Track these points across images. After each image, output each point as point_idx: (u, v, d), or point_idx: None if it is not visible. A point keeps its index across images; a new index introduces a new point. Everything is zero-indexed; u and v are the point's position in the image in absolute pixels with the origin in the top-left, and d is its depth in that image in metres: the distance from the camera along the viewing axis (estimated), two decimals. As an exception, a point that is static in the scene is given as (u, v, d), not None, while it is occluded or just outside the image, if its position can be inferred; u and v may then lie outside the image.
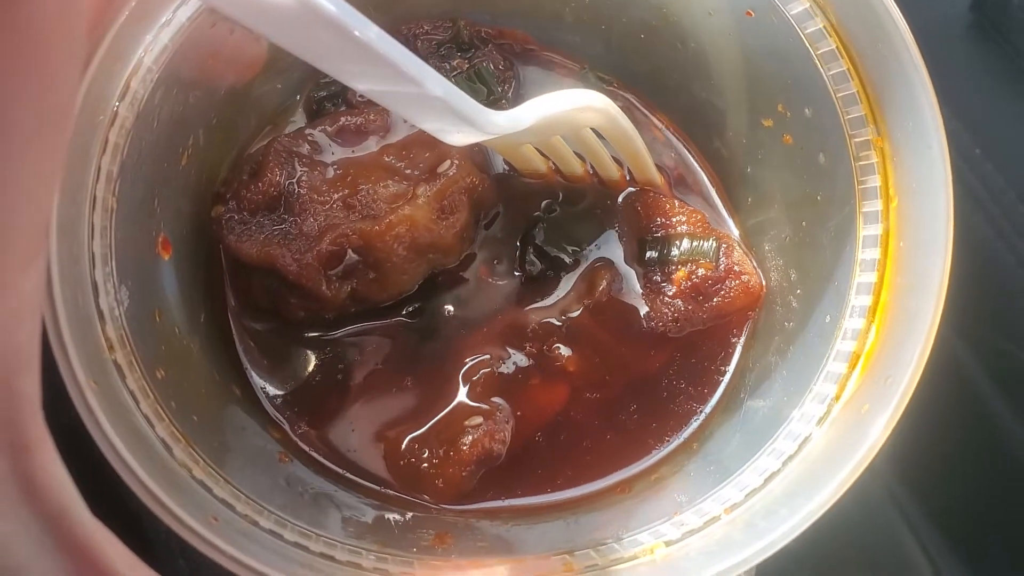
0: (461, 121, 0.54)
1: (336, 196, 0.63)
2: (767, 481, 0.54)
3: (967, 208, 0.80)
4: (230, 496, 0.51)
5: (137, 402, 0.50)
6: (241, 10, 0.45)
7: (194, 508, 0.47)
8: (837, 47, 0.57)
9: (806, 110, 0.60)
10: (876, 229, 0.56)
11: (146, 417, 0.50)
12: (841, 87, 0.57)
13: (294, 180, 0.63)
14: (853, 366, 0.55)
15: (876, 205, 0.56)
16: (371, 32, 0.47)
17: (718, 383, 0.66)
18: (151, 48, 0.53)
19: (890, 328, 0.54)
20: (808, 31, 0.57)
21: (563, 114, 0.60)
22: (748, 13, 0.60)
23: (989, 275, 0.80)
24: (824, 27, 0.57)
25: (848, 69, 0.56)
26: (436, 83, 0.52)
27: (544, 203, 0.70)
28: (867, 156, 0.57)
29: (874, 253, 0.56)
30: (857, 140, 0.57)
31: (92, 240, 0.50)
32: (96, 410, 0.46)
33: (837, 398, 0.55)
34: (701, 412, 0.65)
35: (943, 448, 0.85)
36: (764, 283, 0.66)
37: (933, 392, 0.84)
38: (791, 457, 0.54)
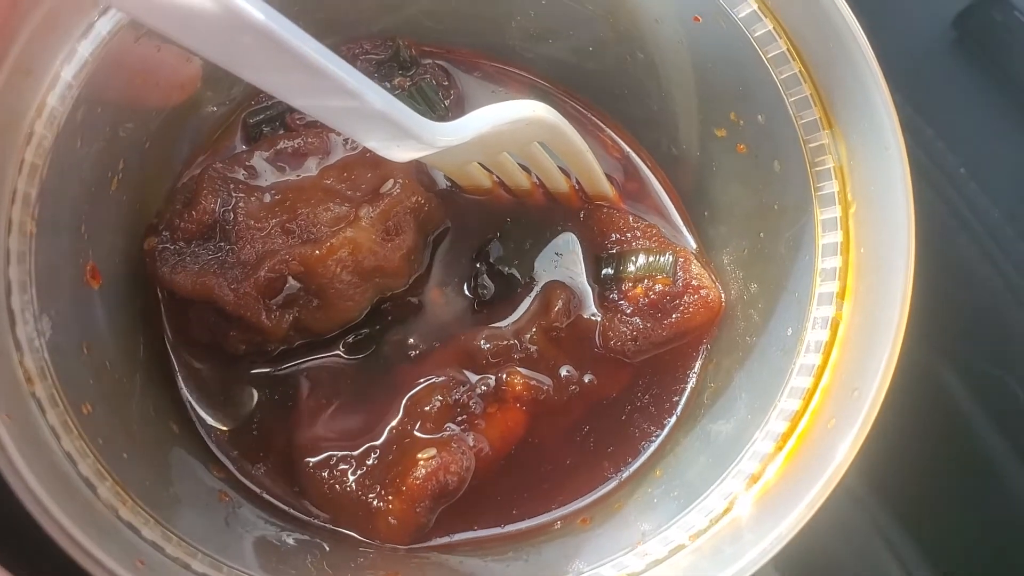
0: (403, 135, 0.52)
1: (274, 221, 0.60)
2: (732, 505, 0.51)
3: (952, 228, 0.79)
4: (160, 538, 0.47)
5: (58, 438, 0.47)
6: (165, 21, 0.43)
7: (117, 551, 0.44)
8: (787, 49, 0.55)
9: (759, 117, 0.58)
10: (835, 236, 0.54)
11: (68, 454, 0.47)
12: (793, 91, 0.55)
13: (229, 207, 0.60)
14: (818, 380, 0.53)
15: (834, 211, 0.54)
16: (308, 45, 0.45)
17: (678, 404, 0.64)
18: (68, 61, 0.50)
19: (855, 338, 0.52)
20: (757, 34, 0.55)
21: (509, 127, 0.58)
22: (696, 19, 0.58)
23: (973, 296, 0.78)
24: (773, 29, 0.55)
25: (800, 71, 0.55)
26: (376, 96, 0.50)
27: (496, 221, 0.67)
28: (823, 161, 0.55)
29: (834, 261, 0.54)
30: (812, 145, 0.55)
31: (8, 266, 0.47)
32: (8, 445, 0.43)
33: (802, 414, 0.52)
34: (662, 435, 0.63)
35: (926, 468, 0.83)
36: (723, 297, 0.64)
37: (914, 413, 0.82)
38: (756, 478, 0.52)
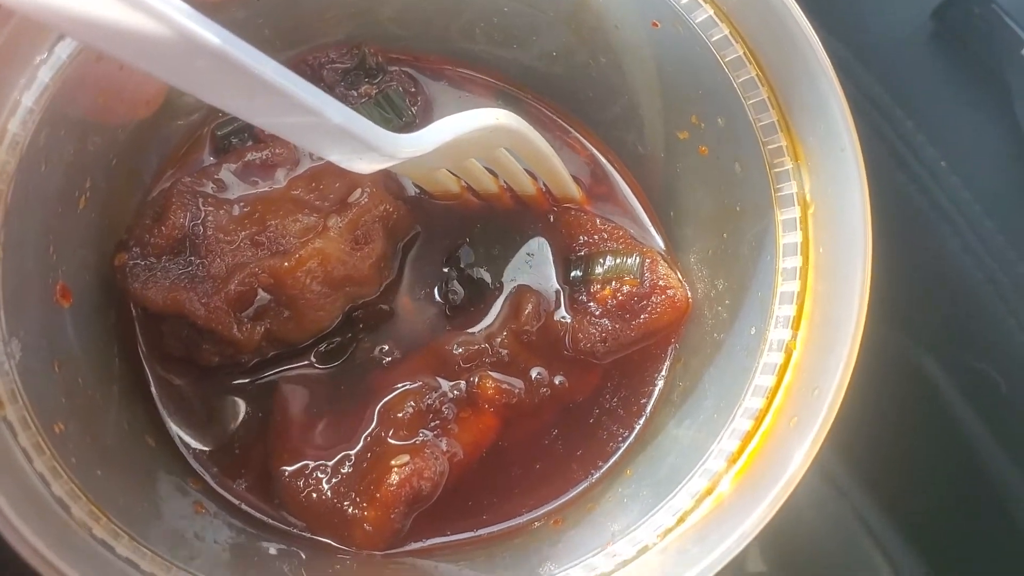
0: (365, 148, 0.53)
1: (243, 234, 0.61)
2: (698, 503, 0.52)
3: (933, 221, 0.79)
4: (134, 554, 0.48)
5: (31, 460, 0.47)
6: (119, 48, 0.43)
7: (91, 570, 0.45)
8: (744, 53, 0.55)
9: (719, 120, 0.59)
10: (795, 236, 0.55)
11: (40, 475, 0.47)
12: (751, 94, 0.56)
13: (199, 221, 0.60)
14: (780, 379, 0.54)
15: (794, 212, 0.55)
16: (266, 65, 0.45)
17: (648, 404, 0.65)
18: (28, 87, 0.50)
19: (815, 337, 0.53)
20: (714, 39, 0.56)
21: (472, 135, 0.58)
22: (654, 24, 0.59)
23: (956, 289, 0.78)
24: (730, 34, 0.55)
25: (756, 75, 0.55)
26: (335, 111, 0.50)
27: (465, 225, 0.68)
28: (781, 163, 0.56)
29: (795, 261, 0.55)
30: (771, 147, 0.56)
31: (-25, 292, 0.48)
32: (-23, 473, 0.43)
33: (766, 412, 0.53)
34: (632, 435, 0.64)
35: (910, 460, 0.84)
36: (690, 296, 0.65)
37: (899, 404, 0.83)
38: (720, 477, 0.52)
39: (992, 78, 0.78)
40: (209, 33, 0.43)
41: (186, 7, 0.42)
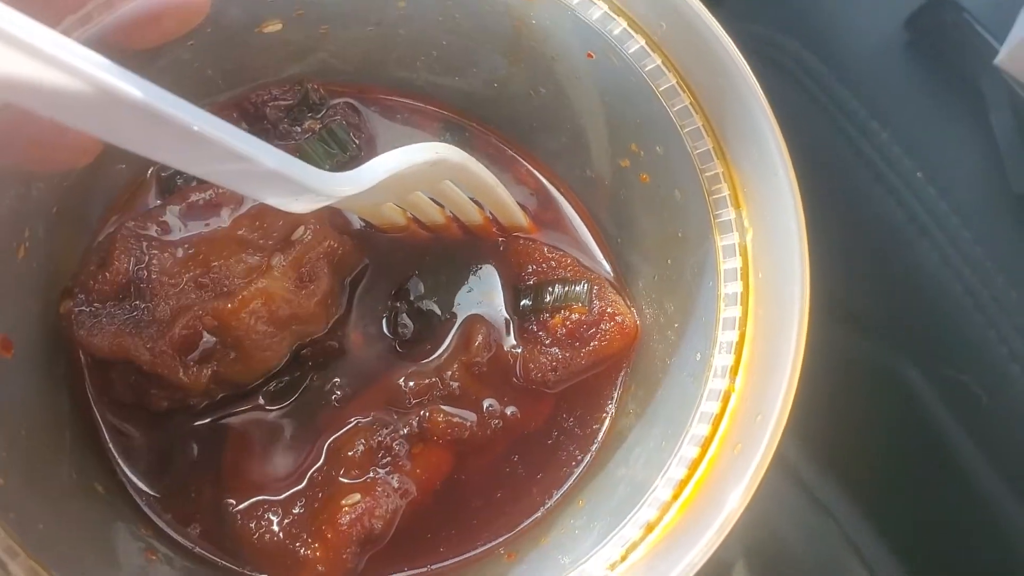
0: (301, 189, 0.52)
1: (187, 276, 0.60)
2: (646, 534, 0.52)
3: (911, 233, 0.79)
4: (77, 608, 0.48)
5: (-38, 519, 0.47)
6: (43, 104, 0.42)
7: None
8: (677, 83, 0.56)
9: (657, 148, 0.59)
10: (735, 262, 0.55)
11: (-27, 534, 0.47)
12: (686, 122, 0.56)
13: (143, 265, 0.60)
14: (725, 405, 0.53)
15: (732, 238, 0.55)
16: (194, 115, 0.45)
17: (599, 432, 0.64)
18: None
19: (757, 363, 0.53)
20: (647, 69, 0.56)
21: (413, 170, 0.58)
22: (589, 55, 0.59)
23: (935, 302, 0.78)
24: (662, 63, 0.56)
25: (690, 104, 0.56)
26: (269, 156, 0.50)
27: (414, 257, 0.67)
28: (719, 189, 0.56)
29: (736, 287, 0.55)
30: (708, 174, 0.56)
31: (-94, 352, 0.48)
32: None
33: (711, 440, 0.53)
34: (583, 464, 0.64)
35: (898, 474, 0.84)
36: (638, 322, 0.65)
37: (884, 418, 0.83)
38: (669, 506, 0.52)
39: (967, 88, 0.78)
40: (132, 88, 0.42)
41: (106, 62, 0.41)
